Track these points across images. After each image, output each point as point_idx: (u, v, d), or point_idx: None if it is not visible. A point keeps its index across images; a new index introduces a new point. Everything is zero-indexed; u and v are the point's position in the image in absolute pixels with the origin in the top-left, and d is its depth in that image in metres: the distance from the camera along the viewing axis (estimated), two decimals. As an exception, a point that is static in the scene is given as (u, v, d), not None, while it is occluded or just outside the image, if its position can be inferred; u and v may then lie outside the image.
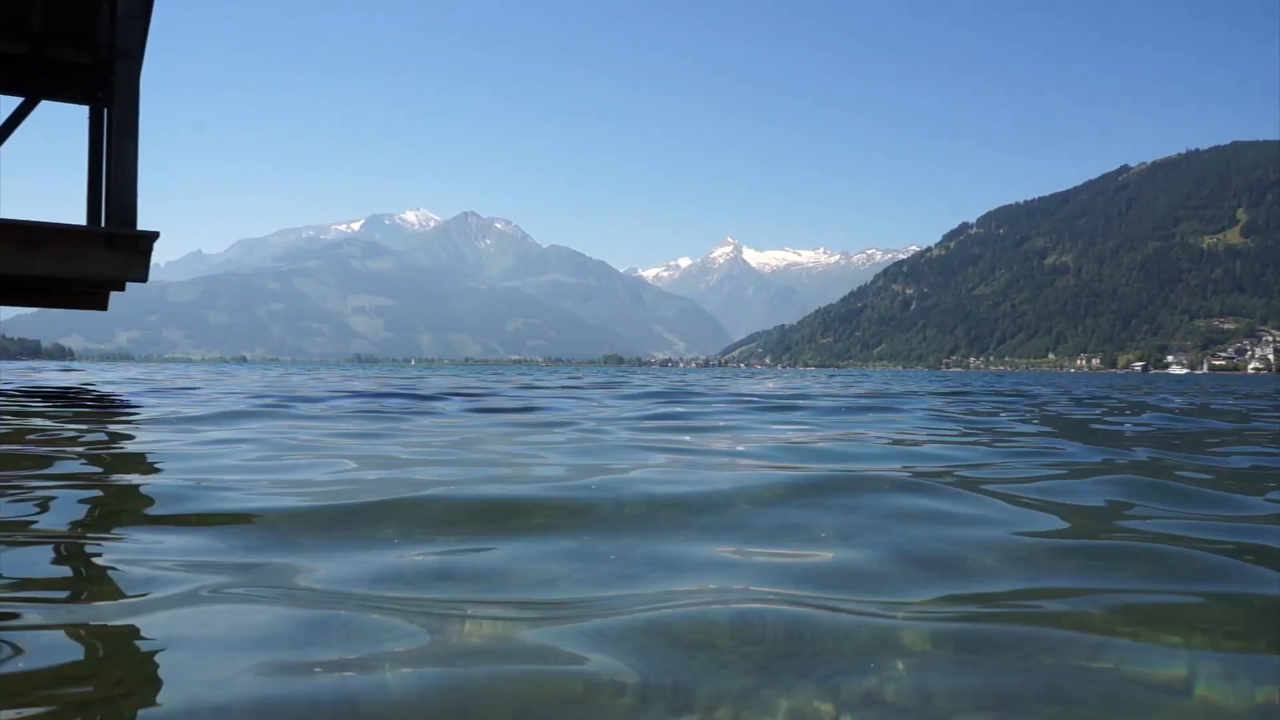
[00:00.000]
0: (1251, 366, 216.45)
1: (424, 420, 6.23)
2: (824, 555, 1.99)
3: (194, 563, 1.82)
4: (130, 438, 4.83)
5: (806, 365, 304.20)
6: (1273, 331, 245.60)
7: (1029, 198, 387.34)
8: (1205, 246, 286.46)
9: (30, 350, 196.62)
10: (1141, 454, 4.46)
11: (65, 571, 1.81)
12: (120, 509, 2.52)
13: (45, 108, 10.08)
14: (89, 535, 2.10)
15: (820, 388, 16.50)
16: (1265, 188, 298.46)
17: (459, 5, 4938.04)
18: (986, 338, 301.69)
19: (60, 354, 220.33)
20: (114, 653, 1.32)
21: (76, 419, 5.71)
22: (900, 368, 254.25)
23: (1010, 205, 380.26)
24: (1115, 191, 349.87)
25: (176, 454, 3.85)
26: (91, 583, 1.69)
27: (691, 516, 2.43)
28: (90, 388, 11.44)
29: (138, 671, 1.24)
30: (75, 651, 1.32)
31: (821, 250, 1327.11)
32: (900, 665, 1.29)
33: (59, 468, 3.29)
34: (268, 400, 8.40)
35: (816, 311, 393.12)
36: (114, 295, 8.85)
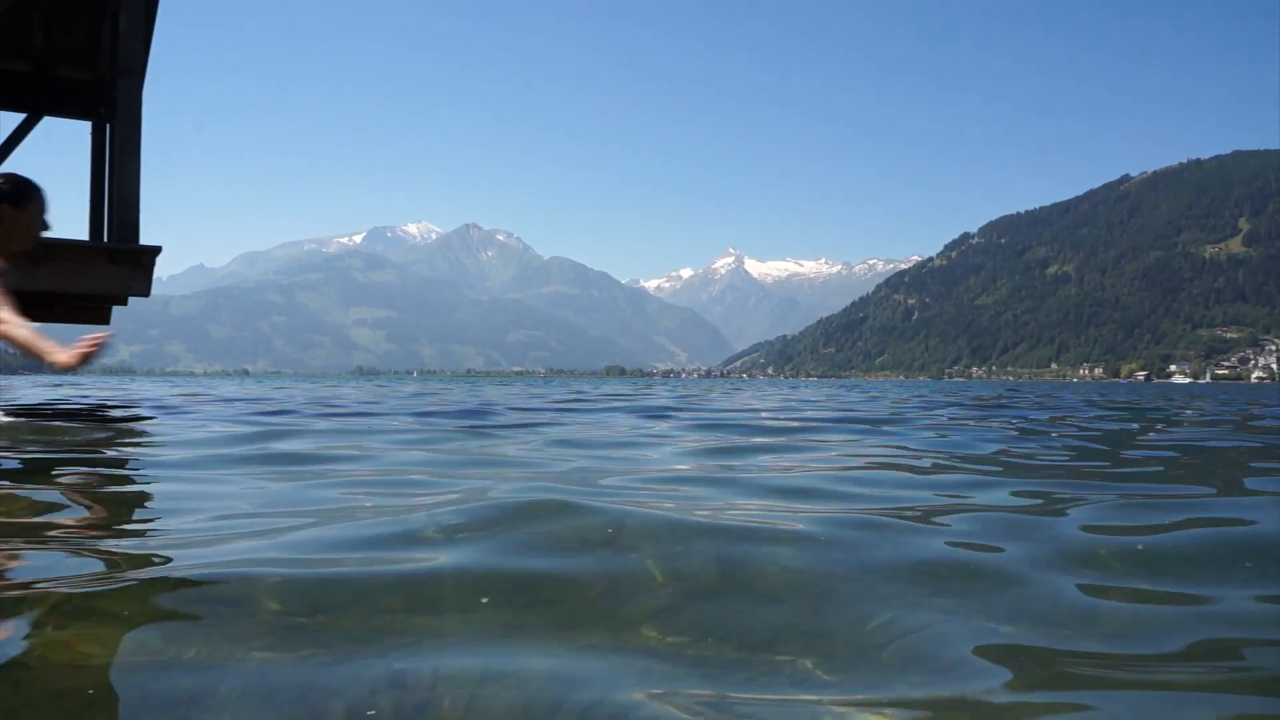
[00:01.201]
0: (1255, 375, 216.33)
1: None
2: None
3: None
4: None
5: (809, 376, 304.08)
6: (1276, 340, 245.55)
7: (1030, 207, 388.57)
8: (1207, 256, 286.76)
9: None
10: None
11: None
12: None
13: (46, 123, 10.14)
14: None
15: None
16: (1267, 196, 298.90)
17: (460, 19, 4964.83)
18: (989, 348, 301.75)
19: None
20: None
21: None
22: (903, 378, 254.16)
23: (1011, 215, 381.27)
24: (1116, 201, 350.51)
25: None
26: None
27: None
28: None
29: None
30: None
31: (823, 261, 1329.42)
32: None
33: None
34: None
35: (818, 322, 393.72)
36: (116, 309, 8.88)
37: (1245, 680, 0.89)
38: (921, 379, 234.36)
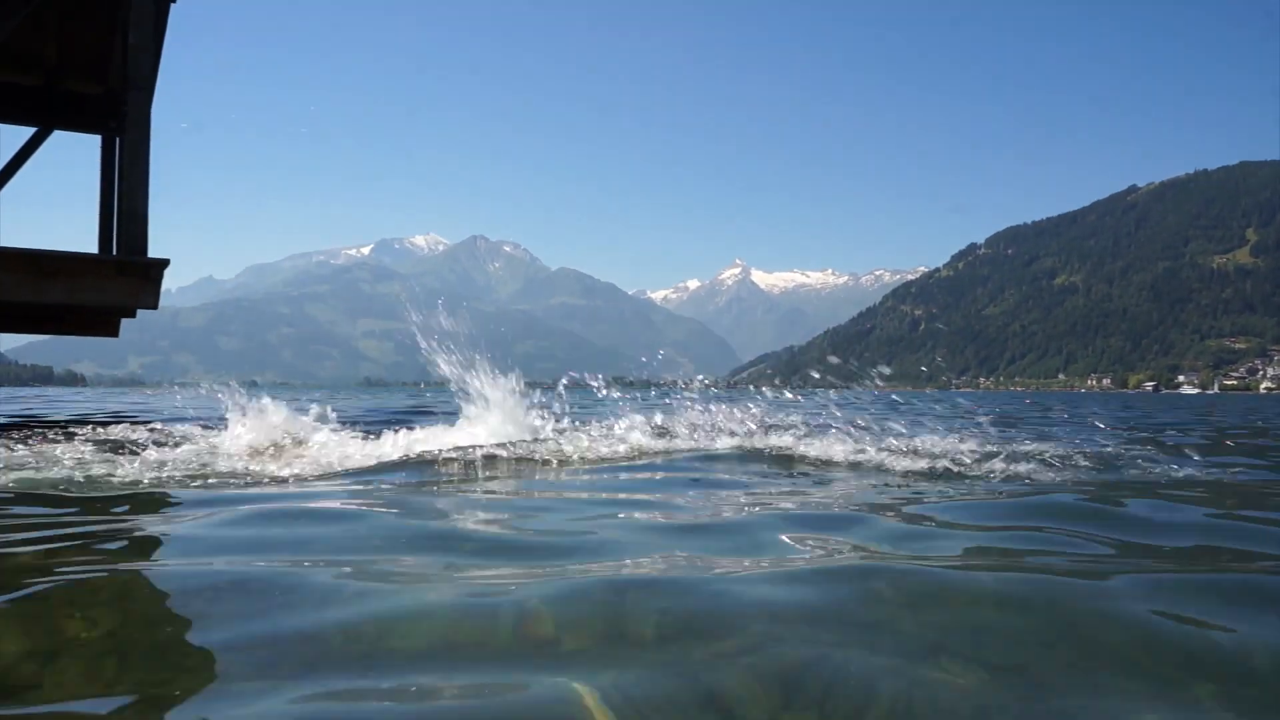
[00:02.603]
0: (1263, 386, 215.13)
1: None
2: None
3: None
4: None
5: (815, 387, 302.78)
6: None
7: (1037, 218, 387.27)
8: (1215, 266, 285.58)
9: (43, 376, 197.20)
10: None
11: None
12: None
13: (56, 136, 10.19)
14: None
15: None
16: (1275, 207, 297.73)
17: (467, 31, 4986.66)
18: (996, 358, 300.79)
19: (73, 380, 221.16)
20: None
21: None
22: (909, 389, 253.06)
23: (1019, 225, 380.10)
24: (1124, 211, 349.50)
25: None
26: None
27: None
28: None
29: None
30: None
31: (830, 271, 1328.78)
32: None
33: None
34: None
35: (825, 333, 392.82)
36: (125, 321, 8.91)
37: None
38: (929, 390, 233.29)
